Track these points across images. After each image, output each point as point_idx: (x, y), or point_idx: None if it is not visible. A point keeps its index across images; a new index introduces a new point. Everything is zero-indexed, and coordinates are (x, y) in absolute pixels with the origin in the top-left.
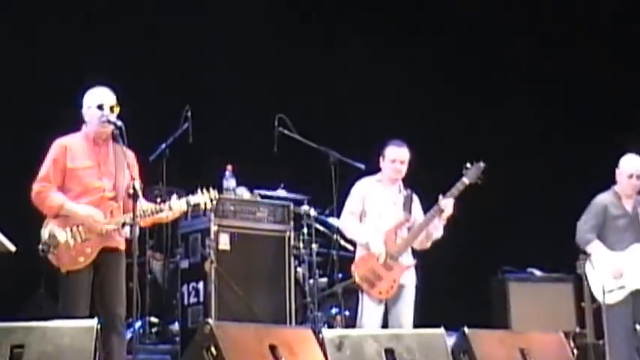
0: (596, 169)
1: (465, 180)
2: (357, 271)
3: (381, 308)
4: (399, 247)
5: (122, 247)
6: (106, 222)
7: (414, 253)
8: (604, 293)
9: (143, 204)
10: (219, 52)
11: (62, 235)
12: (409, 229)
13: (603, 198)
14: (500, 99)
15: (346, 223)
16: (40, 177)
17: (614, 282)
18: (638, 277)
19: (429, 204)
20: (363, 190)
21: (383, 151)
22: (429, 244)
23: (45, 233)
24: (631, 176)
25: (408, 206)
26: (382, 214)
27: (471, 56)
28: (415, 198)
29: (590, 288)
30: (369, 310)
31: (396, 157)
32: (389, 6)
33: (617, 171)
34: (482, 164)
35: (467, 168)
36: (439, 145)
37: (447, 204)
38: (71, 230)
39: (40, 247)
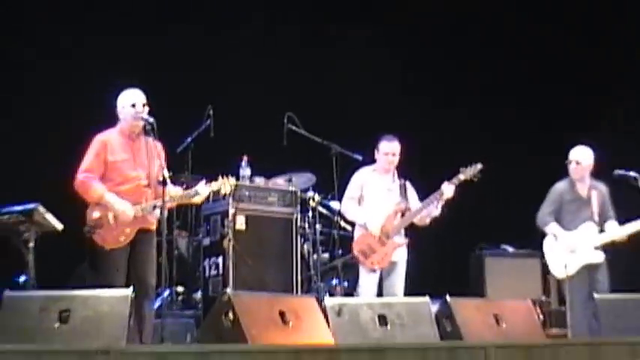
0: (561, 161)
1: (461, 176)
2: (355, 247)
3: (376, 277)
4: (395, 228)
5: (154, 227)
6: (135, 212)
7: (406, 233)
8: (565, 267)
9: (172, 189)
10: (237, 59)
11: (109, 215)
12: (403, 213)
13: (559, 186)
14: (482, 96)
15: (347, 206)
16: (84, 168)
17: (570, 256)
18: (589, 252)
19: (421, 188)
20: (362, 179)
21: (377, 144)
22: (428, 221)
23: (90, 216)
24: (570, 162)
25: (403, 194)
26: (378, 199)
27: (455, 58)
28: (409, 186)
29: (547, 263)
30: (365, 279)
31: (388, 150)
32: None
33: (567, 161)
34: (479, 166)
35: (465, 167)
36: (428, 136)
37: (448, 189)
38: (113, 215)
39: (86, 228)
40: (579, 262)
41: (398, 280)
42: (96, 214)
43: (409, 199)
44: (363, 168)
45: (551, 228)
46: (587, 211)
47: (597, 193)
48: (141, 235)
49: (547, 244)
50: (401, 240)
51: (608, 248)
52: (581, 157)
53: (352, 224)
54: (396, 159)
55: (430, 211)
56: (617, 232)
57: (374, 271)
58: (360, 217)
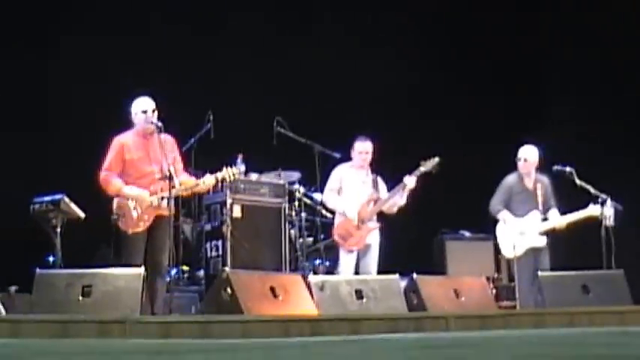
0: (512, 159)
1: (422, 168)
2: (335, 232)
3: (354, 257)
4: (368, 214)
5: (167, 213)
6: (151, 198)
7: (378, 218)
8: (514, 248)
9: (184, 178)
10: (233, 68)
11: (130, 205)
12: (375, 202)
13: (509, 179)
14: (442, 97)
15: (328, 197)
16: (105, 166)
17: (518, 240)
18: (534, 236)
19: (392, 181)
20: (340, 173)
21: (352, 144)
22: (395, 209)
23: (115, 206)
24: (519, 159)
25: (375, 186)
26: (354, 190)
27: (415, 60)
28: (380, 180)
29: (499, 246)
30: (345, 259)
31: (362, 149)
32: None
33: (516, 158)
34: (437, 159)
35: (424, 159)
36: (397, 136)
37: (410, 181)
38: (134, 205)
39: (114, 216)
40: (526, 244)
41: (372, 260)
42: (120, 204)
43: (380, 190)
44: (341, 164)
45: (502, 214)
46: (532, 202)
47: (541, 186)
48: (157, 222)
49: (499, 230)
50: (374, 224)
51: (550, 233)
52: (529, 154)
53: (332, 212)
54: (369, 156)
55: (396, 200)
56: (557, 221)
57: (352, 252)
58: (339, 206)
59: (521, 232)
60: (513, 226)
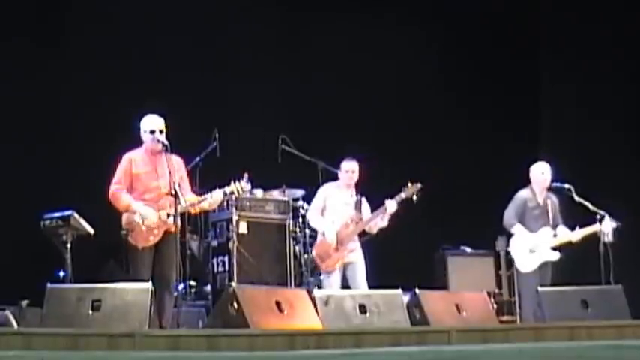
0: (512, 176)
1: (402, 195)
2: (315, 250)
3: (336, 276)
4: (348, 235)
5: (174, 230)
6: (161, 216)
7: (361, 236)
8: (529, 263)
9: (190, 196)
10: (238, 87)
11: (138, 218)
12: (357, 223)
13: (523, 194)
14: (442, 116)
15: (311, 216)
16: (114, 182)
17: (531, 255)
18: (546, 251)
19: (376, 203)
20: (325, 193)
21: (340, 164)
22: (375, 230)
23: (125, 222)
24: (542, 174)
25: (358, 208)
26: (337, 210)
27: (409, 78)
28: (364, 201)
29: (512, 260)
30: (326, 279)
31: (348, 168)
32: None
33: (531, 174)
34: (419, 185)
35: (406, 186)
36: (399, 153)
37: (391, 205)
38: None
39: (123, 231)
40: (539, 259)
41: (360, 276)
42: (129, 219)
43: (363, 212)
44: (328, 183)
45: (517, 229)
46: (544, 217)
47: (551, 203)
48: (165, 236)
49: (512, 244)
50: (353, 245)
51: (563, 247)
52: (547, 170)
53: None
54: (356, 175)
55: (376, 222)
56: (573, 235)
57: (329, 273)
58: (320, 226)
59: (534, 247)
60: (527, 240)
